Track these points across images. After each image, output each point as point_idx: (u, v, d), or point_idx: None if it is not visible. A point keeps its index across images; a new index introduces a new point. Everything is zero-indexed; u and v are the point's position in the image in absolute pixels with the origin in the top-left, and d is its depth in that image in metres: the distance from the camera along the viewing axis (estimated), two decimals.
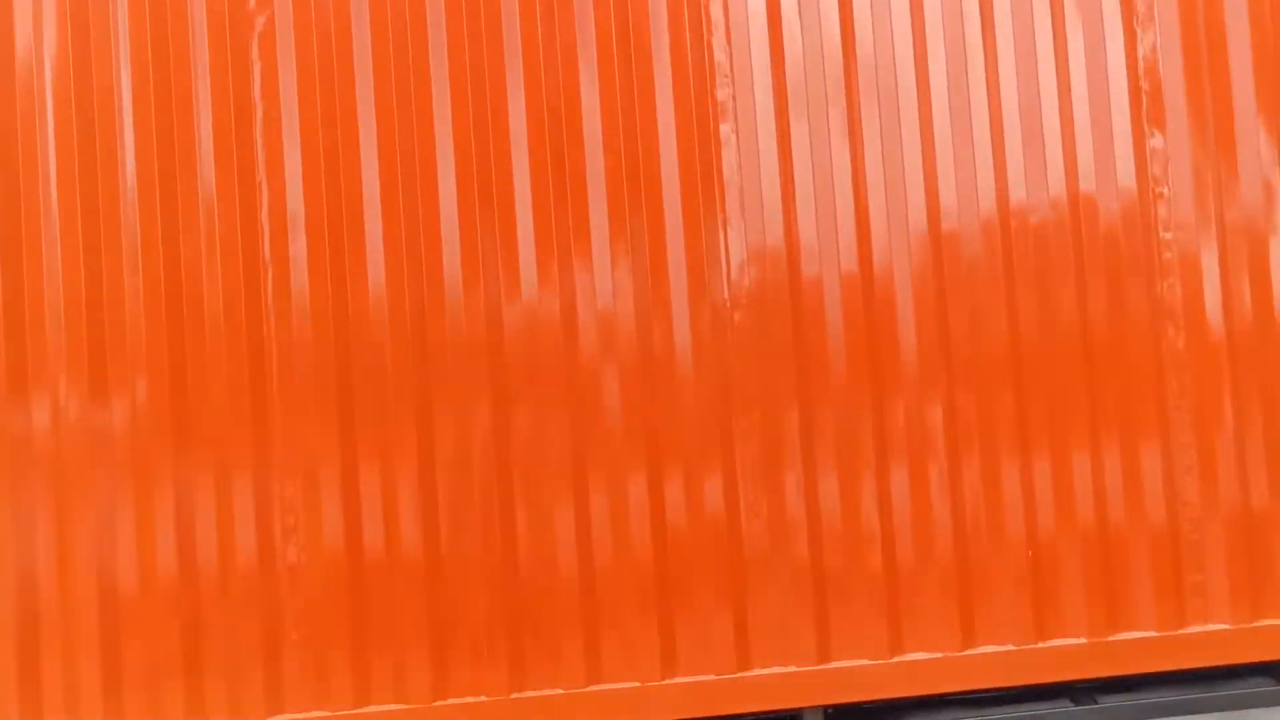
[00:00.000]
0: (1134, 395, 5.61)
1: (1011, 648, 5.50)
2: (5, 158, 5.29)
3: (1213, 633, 5.58)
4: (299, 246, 5.30)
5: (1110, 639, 5.54)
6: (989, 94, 5.60)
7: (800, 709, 5.46)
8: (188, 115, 5.31)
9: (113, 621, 5.17)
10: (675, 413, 5.41)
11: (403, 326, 5.31)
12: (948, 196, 5.56)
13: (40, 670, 5.15)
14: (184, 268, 5.27)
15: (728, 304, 5.46)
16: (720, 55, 5.49)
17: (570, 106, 5.43)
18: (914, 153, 5.56)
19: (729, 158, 5.48)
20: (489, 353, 5.34)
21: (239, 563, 5.21)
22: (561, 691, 5.29)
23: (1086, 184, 5.64)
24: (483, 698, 5.26)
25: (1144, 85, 5.69)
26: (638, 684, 5.33)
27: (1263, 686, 5.70)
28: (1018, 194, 5.60)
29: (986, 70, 5.60)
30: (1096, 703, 5.63)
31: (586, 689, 5.30)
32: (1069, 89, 5.65)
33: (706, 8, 5.50)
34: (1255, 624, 5.61)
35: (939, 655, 5.47)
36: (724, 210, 5.47)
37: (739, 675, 5.38)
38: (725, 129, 5.49)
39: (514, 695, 5.28)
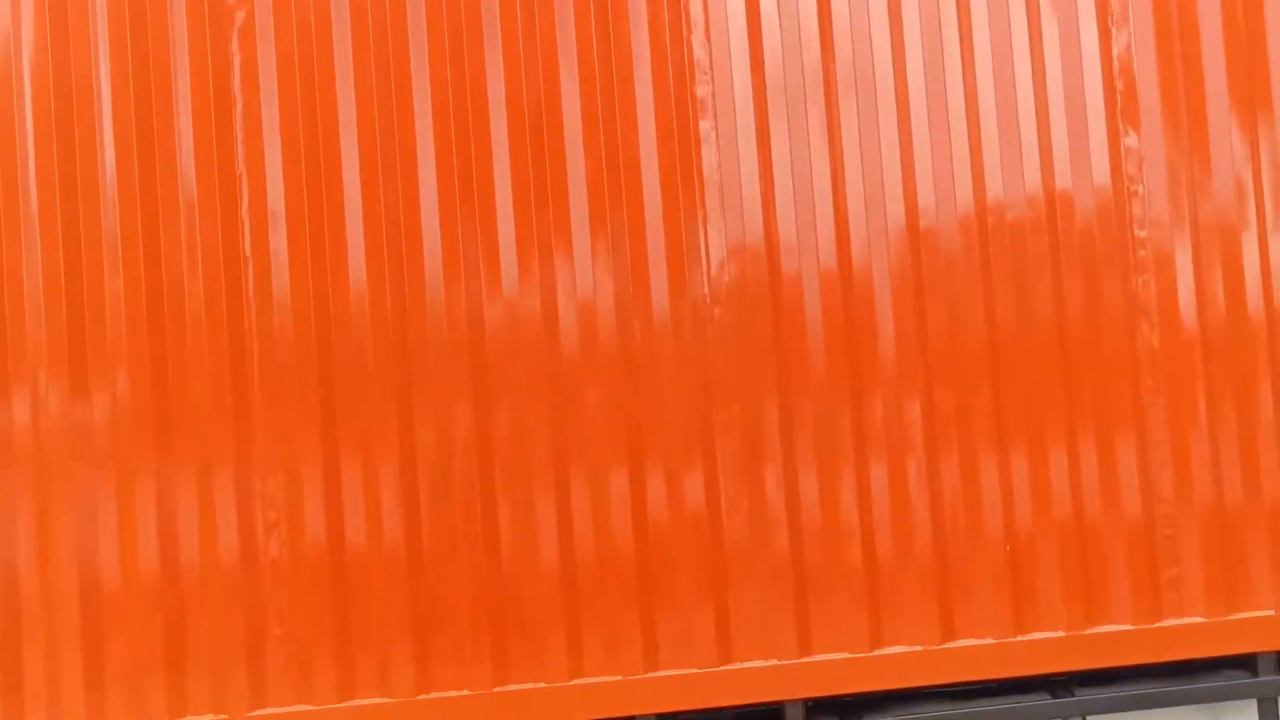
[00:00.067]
0: (1109, 391, 5.67)
1: (990, 641, 5.54)
2: None
3: (1188, 626, 5.64)
4: (279, 241, 5.30)
5: (1087, 632, 5.59)
6: (966, 92, 5.66)
7: (781, 702, 5.48)
8: (167, 109, 5.30)
9: (95, 616, 5.15)
10: (656, 408, 5.44)
11: (384, 322, 5.32)
12: (925, 193, 5.61)
13: (22, 665, 5.13)
14: (164, 263, 5.27)
15: (708, 300, 5.49)
16: (700, 52, 5.53)
17: (550, 103, 5.45)
18: (892, 150, 5.61)
19: (709, 155, 5.52)
20: (470, 349, 5.36)
21: (221, 558, 5.21)
22: (544, 685, 5.31)
23: (1062, 181, 5.70)
24: (466, 692, 5.27)
25: (1119, 84, 5.75)
26: (620, 678, 5.35)
27: (1237, 679, 5.76)
28: (994, 191, 5.65)
29: (963, 69, 5.66)
30: (1074, 695, 5.69)
31: (569, 683, 5.32)
32: (1045, 87, 5.71)
33: (686, 6, 5.53)
34: (1230, 617, 5.67)
35: (918, 649, 5.51)
36: (704, 207, 5.50)
37: (720, 669, 5.40)
38: (705, 126, 5.52)
39: (497, 689, 5.28)
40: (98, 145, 5.27)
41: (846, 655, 5.46)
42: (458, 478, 5.32)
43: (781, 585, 5.45)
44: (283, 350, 5.27)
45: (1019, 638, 5.55)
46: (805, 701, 5.51)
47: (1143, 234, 5.73)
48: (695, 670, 5.39)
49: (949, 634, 5.53)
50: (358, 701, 5.24)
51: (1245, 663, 5.77)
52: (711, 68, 5.53)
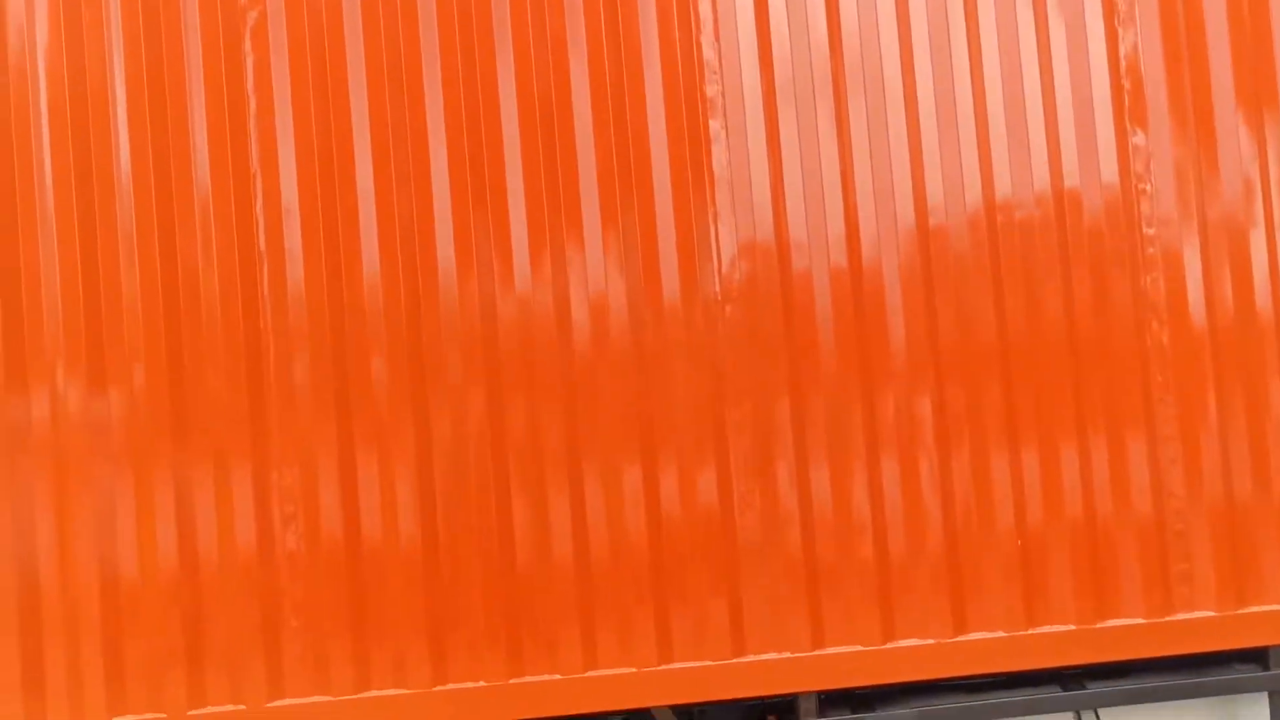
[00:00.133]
0: (1119, 388, 5.71)
1: (1002, 635, 5.57)
2: (0, 149, 5.34)
3: (1199, 620, 5.66)
4: (294, 238, 5.37)
5: (1098, 626, 5.61)
6: (974, 91, 5.71)
7: (794, 694, 5.51)
8: (181, 109, 5.37)
9: (114, 609, 5.21)
10: (668, 404, 5.49)
11: (398, 318, 5.38)
12: (935, 192, 5.67)
13: (43, 659, 5.18)
14: (180, 260, 5.33)
15: (719, 298, 5.55)
16: (709, 52, 5.60)
17: (561, 102, 5.51)
18: (901, 149, 5.66)
19: (719, 153, 5.58)
20: (484, 344, 5.41)
21: (238, 551, 5.27)
22: (559, 677, 5.35)
23: (1071, 180, 5.75)
24: (481, 683, 5.31)
25: (1126, 83, 5.80)
26: (634, 670, 5.39)
27: (1247, 673, 5.78)
28: (1003, 190, 5.70)
29: (971, 68, 5.72)
30: (1085, 688, 5.71)
31: (584, 675, 5.36)
32: (1052, 87, 5.76)
33: (695, 6, 5.60)
34: (1240, 611, 5.69)
35: (931, 642, 5.53)
36: (714, 205, 5.56)
37: (734, 661, 5.44)
38: (715, 125, 5.59)
39: (512, 681, 5.33)
40: (113, 145, 5.35)
41: (859, 648, 5.50)
42: (472, 471, 5.37)
43: (794, 579, 5.49)
44: (298, 346, 5.34)
45: (1030, 631, 5.58)
46: (818, 694, 5.54)
47: (1151, 232, 5.77)
48: (709, 663, 5.43)
49: (961, 628, 5.56)
50: (374, 693, 5.29)
51: (1256, 656, 5.79)
52: (721, 67, 5.59)
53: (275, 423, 5.31)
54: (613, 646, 5.39)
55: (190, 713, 5.23)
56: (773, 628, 5.47)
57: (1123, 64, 5.81)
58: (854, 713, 5.60)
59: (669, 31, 5.58)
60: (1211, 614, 5.68)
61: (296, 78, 5.41)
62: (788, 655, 5.47)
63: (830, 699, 5.62)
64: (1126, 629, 5.63)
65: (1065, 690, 5.71)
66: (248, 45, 5.42)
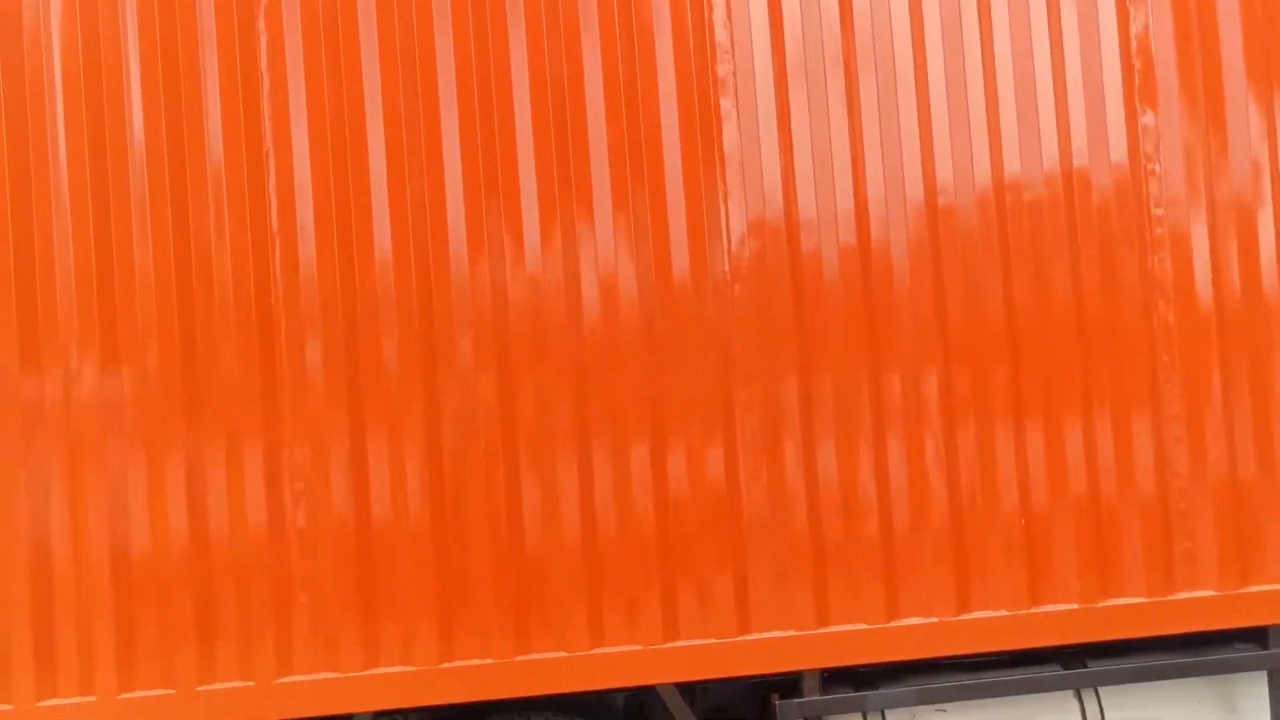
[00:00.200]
0: (1125, 367, 5.74)
1: (1005, 613, 5.61)
2: (14, 129, 5.32)
3: (1200, 599, 5.72)
4: (306, 217, 5.36)
5: (1101, 605, 5.66)
6: (985, 71, 5.70)
7: (799, 672, 5.56)
8: (196, 88, 5.35)
9: (125, 586, 5.23)
10: (677, 383, 5.50)
11: (409, 297, 5.38)
12: (944, 171, 5.67)
13: (54, 635, 5.20)
14: (193, 239, 5.33)
15: (728, 276, 5.55)
16: (721, 32, 5.58)
17: (573, 81, 5.50)
18: (911, 128, 5.65)
19: (730, 133, 5.57)
20: (494, 323, 5.42)
21: (249, 528, 5.29)
22: (565, 655, 5.39)
23: (1080, 160, 5.75)
24: (488, 660, 5.35)
25: (1136, 63, 5.80)
26: (640, 647, 5.43)
27: (1247, 651, 5.84)
28: (1013, 169, 5.70)
29: (982, 48, 5.71)
30: (1085, 667, 5.77)
31: (590, 652, 5.40)
32: (1063, 67, 5.75)
33: None
34: (1242, 590, 5.75)
35: (934, 620, 5.58)
36: (725, 184, 5.56)
37: (739, 639, 5.48)
38: (726, 104, 5.57)
39: (519, 658, 5.36)
40: (127, 124, 5.33)
41: (863, 626, 5.54)
42: (481, 450, 5.39)
43: (800, 558, 5.52)
44: (310, 324, 5.34)
45: (1034, 609, 5.62)
46: (821, 672, 5.58)
47: (1159, 212, 5.78)
48: (714, 640, 5.47)
49: (964, 606, 5.60)
50: (382, 669, 5.33)
51: (1256, 635, 5.85)
52: (733, 47, 5.58)
53: (286, 401, 5.32)
54: (619, 624, 5.43)
55: (200, 688, 5.26)
56: (778, 606, 5.51)
57: (1133, 44, 5.80)
58: (857, 690, 5.64)
59: (681, 12, 5.56)
60: (1213, 593, 5.73)
61: (310, 57, 5.39)
62: (792, 633, 5.51)
63: (833, 676, 5.66)
64: (1128, 608, 5.68)
65: (1066, 669, 5.77)
66: (261, 24, 5.39)
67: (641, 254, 5.50)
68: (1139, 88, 5.79)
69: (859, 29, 5.64)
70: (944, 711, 5.69)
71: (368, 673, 5.32)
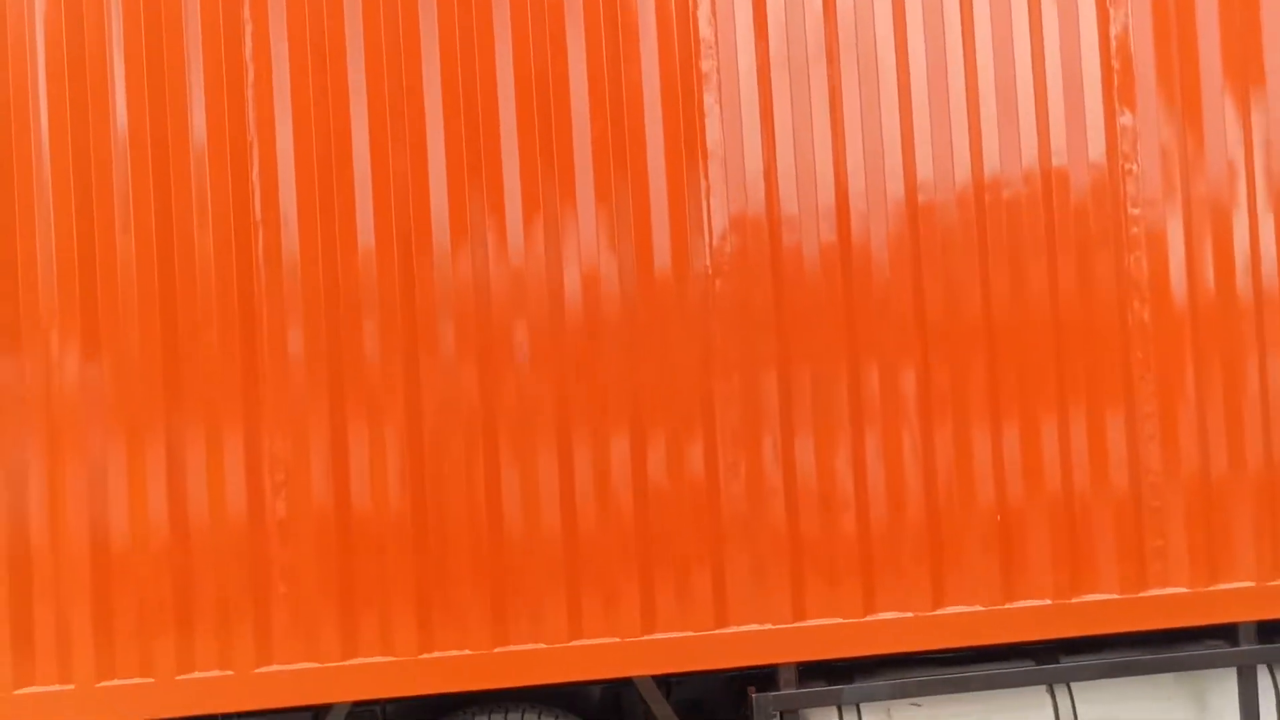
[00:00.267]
0: (1101, 365, 5.80)
1: (980, 609, 5.66)
2: None
3: (1172, 596, 5.79)
4: (289, 206, 5.36)
5: (1074, 601, 5.72)
6: (966, 71, 5.75)
7: (775, 665, 5.59)
8: (180, 76, 5.33)
9: (104, 573, 5.22)
10: (657, 376, 5.53)
11: (391, 287, 5.39)
12: (925, 169, 5.71)
13: (32, 623, 5.20)
14: (176, 226, 5.31)
15: (709, 271, 5.58)
16: (705, 28, 5.60)
17: (558, 76, 5.51)
18: (892, 126, 5.69)
19: (712, 128, 5.59)
20: (476, 315, 5.43)
21: (229, 517, 5.28)
22: (544, 646, 5.41)
23: (1059, 159, 5.81)
24: (467, 651, 5.37)
25: (1115, 64, 5.84)
26: (618, 640, 5.45)
27: (1217, 648, 5.91)
28: (992, 168, 5.75)
29: (964, 48, 5.75)
30: (1058, 662, 5.82)
31: (568, 644, 5.42)
32: (1043, 66, 5.80)
33: None
34: (1212, 588, 5.81)
35: (910, 615, 5.62)
36: (707, 179, 5.58)
37: (716, 632, 5.51)
38: (709, 100, 5.59)
39: (497, 650, 5.38)
40: (111, 111, 5.31)
41: (840, 620, 5.58)
42: (462, 441, 5.40)
43: (777, 552, 5.56)
44: (292, 313, 5.34)
45: (1008, 605, 5.67)
46: (797, 665, 5.62)
47: (1136, 212, 5.84)
48: (691, 633, 5.50)
49: (939, 601, 5.65)
50: (361, 660, 5.34)
51: (1226, 632, 5.92)
52: (716, 43, 5.60)
53: (268, 390, 5.32)
54: (598, 617, 5.46)
55: (178, 677, 5.26)
56: (755, 600, 5.54)
57: (1113, 44, 5.85)
58: (832, 684, 5.69)
59: (666, 7, 5.58)
60: (1184, 590, 5.79)
61: (295, 47, 5.39)
62: (769, 627, 5.55)
63: (809, 670, 5.70)
64: (1101, 604, 5.75)
65: (1039, 665, 5.83)
66: (246, 13, 5.38)
67: (624, 247, 5.52)
68: (1118, 88, 5.84)
69: (842, 27, 5.67)
70: (918, 706, 5.74)
71: (346, 663, 5.33)
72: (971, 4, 5.75)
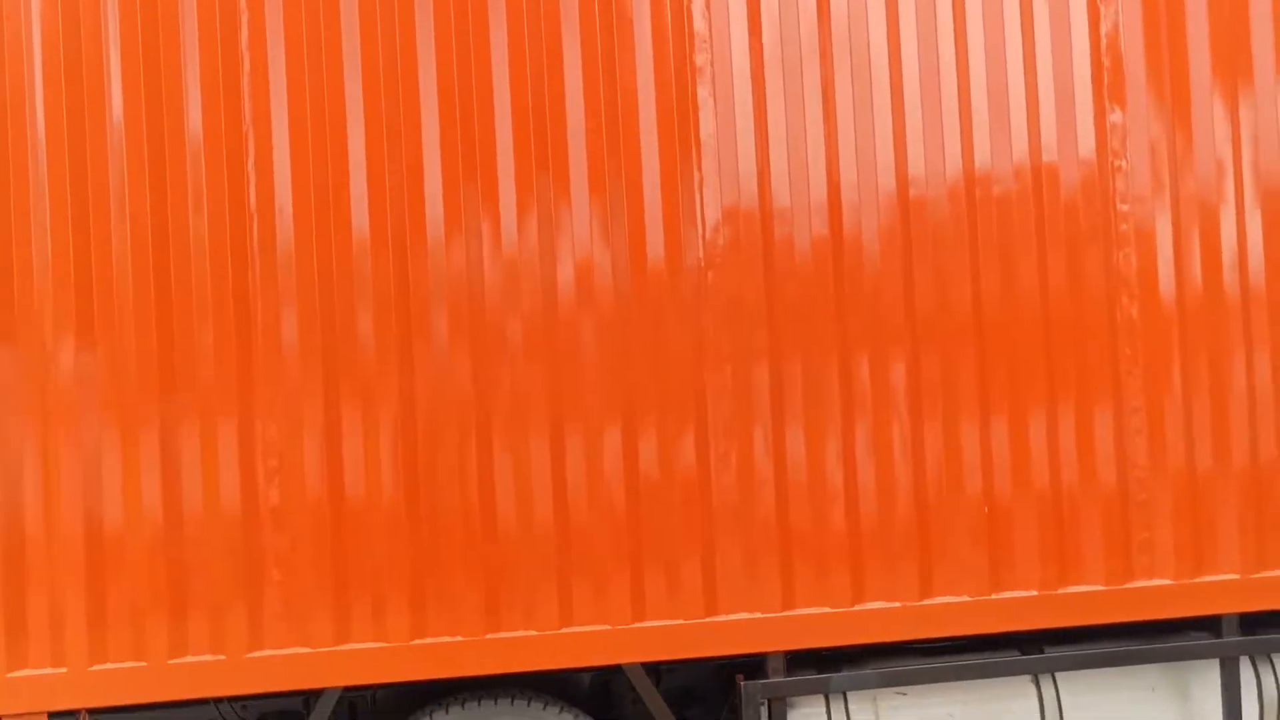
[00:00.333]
0: (1088, 360, 5.85)
1: (967, 599, 5.71)
2: None
3: (1157, 588, 5.84)
4: (284, 197, 5.37)
5: (1060, 592, 5.77)
6: (958, 66, 5.79)
7: (763, 654, 5.64)
8: (175, 66, 5.35)
9: (98, 559, 5.24)
10: (650, 367, 5.56)
11: (385, 278, 5.41)
12: (916, 164, 5.75)
13: (26, 606, 5.22)
14: (171, 215, 5.32)
15: (702, 263, 5.62)
16: (700, 21, 5.63)
17: (553, 69, 5.54)
18: (885, 121, 5.73)
19: (706, 121, 5.63)
20: (470, 305, 5.46)
21: (222, 503, 5.31)
22: (535, 633, 5.45)
23: (1049, 155, 5.85)
24: (459, 638, 5.40)
25: (1106, 61, 5.89)
26: (608, 627, 5.49)
27: (1201, 640, 5.96)
28: (983, 163, 5.79)
29: (956, 43, 5.79)
30: (1043, 652, 5.88)
31: (559, 631, 5.46)
32: (1034, 64, 5.85)
33: None
34: (1197, 580, 5.87)
35: (897, 605, 5.67)
36: (700, 171, 5.62)
37: (705, 620, 5.56)
38: (703, 93, 5.63)
39: (489, 636, 5.42)
40: (106, 101, 5.32)
41: (828, 610, 5.63)
42: (455, 429, 5.44)
43: (767, 541, 5.60)
44: (286, 302, 5.36)
45: (994, 596, 5.72)
46: (785, 654, 5.67)
47: (1125, 208, 5.88)
48: (681, 621, 5.55)
49: (927, 591, 5.70)
50: (353, 645, 5.37)
51: (1209, 624, 5.97)
52: (711, 37, 5.63)
53: (261, 378, 5.34)
54: (588, 604, 5.49)
55: (171, 661, 5.28)
56: (745, 589, 5.58)
57: (1103, 42, 5.89)
58: (820, 673, 5.74)
59: (660, 1, 5.60)
60: (1169, 582, 5.85)
61: (291, 37, 5.40)
62: (758, 616, 5.59)
63: (797, 659, 5.75)
64: (1087, 595, 5.80)
65: (1024, 654, 5.88)
66: (243, 3, 5.39)
67: (617, 238, 5.56)
68: (1108, 85, 5.89)
69: (835, 22, 5.71)
70: (904, 694, 5.79)
71: (338, 648, 5.36)
72: (964, 1, 5.78)
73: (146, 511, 5.28)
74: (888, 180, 5.73)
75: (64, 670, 5.24)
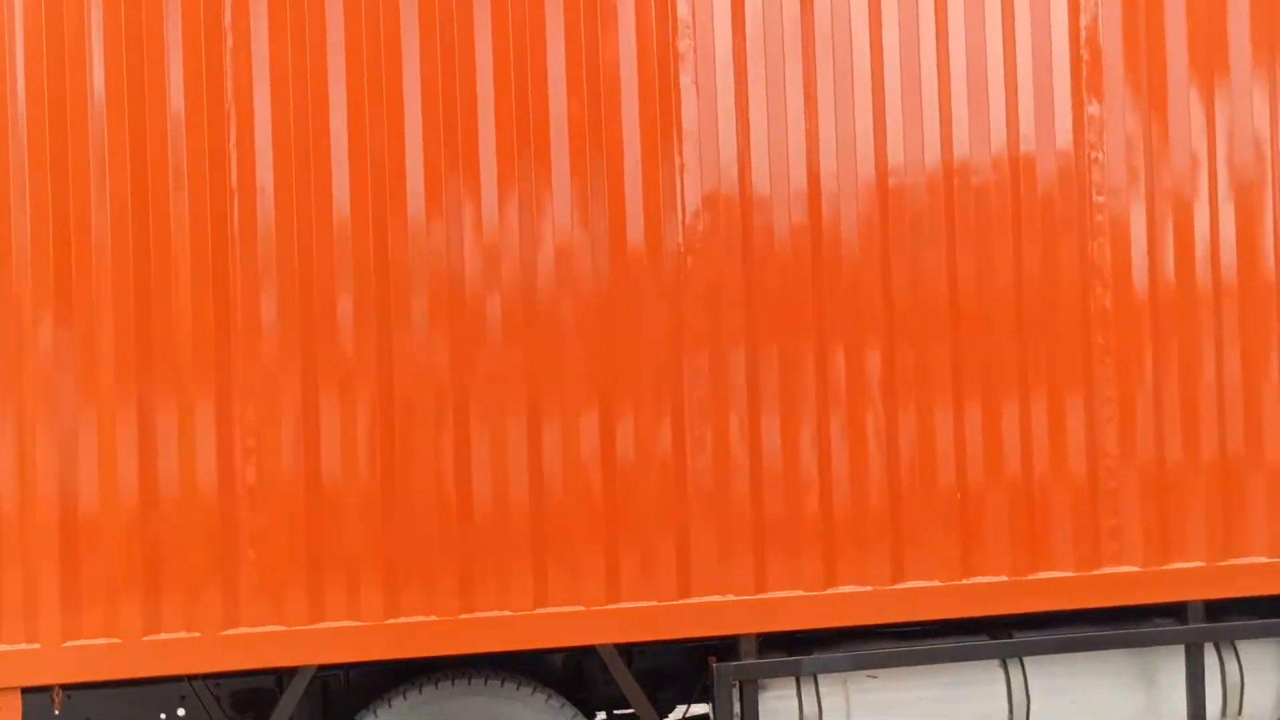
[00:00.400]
0: (1061, 349, 5.91)
1: (938, 584, 5.78)
2: None
3: (1124, 574, 5.92)
4: (265, 176, 5.36)
5: (1030, 578, 5.84)
6: (938, 57, 5.82)
7: (736, 636, 5.69)
8: (158, 42, 5.31)
9: (72, 537, 5.23)
10: (628, 352, 5.59)
11: (365, 258, 5.41)
12: (895, 153, 5.79)
13: (0, 582, 5.22)
14: (151, 194, 5.30)
15: (681, 249, 5.64)
16: (683, 8, 5.63)
17: (535, 53, 5.53)
18: (865, 109, 5.76)
19: (688, 107, 5.64)
20: (449, 287, 5.47)
21: (198, 482, 5.31)
22: (509, 613, 5.48)
23: (1027, 146, 5.90)
24: (433, 617, 5.43)
25: (1084, 54, 5.93)
26: (582, 608, 5.53)
27: (1166, 626, 6.05)
28: (961, 153, 5.83)
29: (937, 34, 5.82)
30: (1012, 638, 5.95)
31: (533, 612, 5.49)
32: (1014, 55, 5.88)
33: None
34: (1164, 567, 5.95)
35: (869, 589, 5.73)
36: (681, 157, 5.63)
37: (679, 602, 5.60)
38: (685, 79, 5.64)
39: (463, 616, 5.45)
40: (87, 76, 5.28)
41: (801, 593, 5.68)
42: (432, 411, 5.45)
43: (741, 525, 5.64)
44: (265, 282, 5.35)
45: (965, 581, 5.79)
46: (758, 637, 5.72)
47: (1100, 200, 5.94)
48: (655, 603, 5.59)
49: (899, 576, 5.76)
50: (327, 624, 5.38)
51: (1175, 611, 6.07)
52: (694, 23, 5.64)
53: (239, 357, 5.34)
54: (563, 585, 5.52)
55: (145, 638, 5.28)
56: (718, 571, 5.63)
57: (1083, 35, 5.93)
58: (791, 655, 5.80)
59: None
60: (1136, 569, 5.93)
61: (274, 15, 5.37)
62: (731, 598, 5.64)
63: (769, 642, 5.81)
64: (1056, 581, 5.87)
65: (993, 639, 5.95)
66: None
67: (597, 223, 5.57)
68: (1086, 78, 5.93)
69: (818, 11, 5.72)
70: (875, 678, 5.86)
71: (313, 627, 5.37)
72: None
73: (123, 488, 5.27)
74: (867, 169, 5.76)
75: (37, 646, 5.23)
